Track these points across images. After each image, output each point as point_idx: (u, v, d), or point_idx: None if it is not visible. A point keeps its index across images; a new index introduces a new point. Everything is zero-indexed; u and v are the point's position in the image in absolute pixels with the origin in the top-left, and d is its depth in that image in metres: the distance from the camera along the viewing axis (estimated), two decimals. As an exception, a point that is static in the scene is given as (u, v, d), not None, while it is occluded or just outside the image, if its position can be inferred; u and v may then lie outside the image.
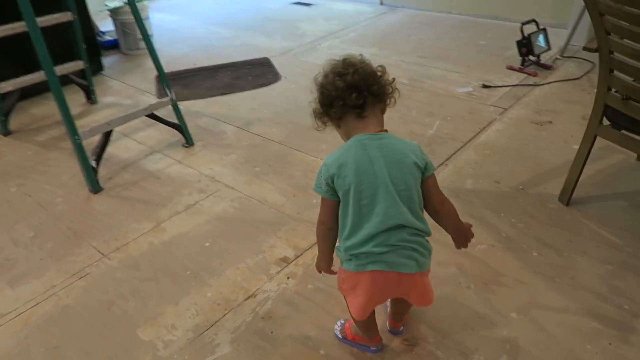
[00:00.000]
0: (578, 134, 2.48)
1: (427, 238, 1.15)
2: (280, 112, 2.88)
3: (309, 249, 1.80)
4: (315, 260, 1.31)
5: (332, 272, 1.30)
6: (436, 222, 1.20)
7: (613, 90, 1.64)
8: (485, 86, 3.00)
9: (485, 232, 1.82)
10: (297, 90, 3.14)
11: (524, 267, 1.66)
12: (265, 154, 2.45)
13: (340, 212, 1.15)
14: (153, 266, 1.77)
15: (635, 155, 2.15)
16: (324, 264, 1.28)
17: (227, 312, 1.56)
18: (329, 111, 1.13)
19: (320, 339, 1.46)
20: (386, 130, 1.13)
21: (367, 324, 1.33)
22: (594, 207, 1.91)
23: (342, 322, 1.49)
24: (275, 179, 2.23)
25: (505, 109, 2.74)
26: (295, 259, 1.76)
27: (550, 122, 2.56)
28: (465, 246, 1.22)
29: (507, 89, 2.96)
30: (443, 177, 2.16)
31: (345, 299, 1.27)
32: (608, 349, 1.37)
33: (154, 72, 3.47)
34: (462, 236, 1.21)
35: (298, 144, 2.50)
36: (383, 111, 1.15)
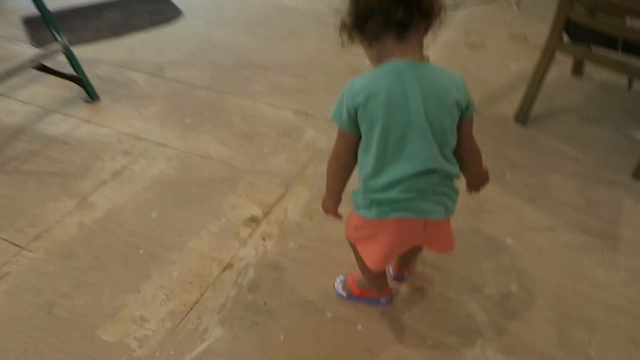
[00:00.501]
0: (512, 52, 2.53)
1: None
2: (194, 52, 2.51)
3: (277, 202, 1.60)
4: (323, 198, 1.13)
5: (338, 216, 1.14)
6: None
7: (577, 3, 1.62)
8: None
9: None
10: (207, 26, 2.76)
11: (502, 191, 1.64)
12: (192, 102, 2.12)
13: (361, 148, 0.97)
14: (93, 251, 1.44)
15: (570, 69, 2.23)
16: (333, 205, 1.11)
17: (205, 290, 1.33)
18: (364, 26, 0.90)
19: (322, 300, 1.31)
20: (428, 58, 0.94)
21: (379, 274, 1.21)
22: (549, 124, 1.95)
23: (343, 278, 1.35)
24: (213, 129, 1.95)
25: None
26: (266, 216, 1.56)
27: (482, 43, 2.56)
28: (478, 191, 1.12)
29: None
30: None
31: (355, 248, 1.13)
32: (603, 260, 1.41)
33: (17, 14, 2.85)
34: (479, 182, 1.11)
35: (227, 87, 2.20)
36: (426, 33, 0.96)
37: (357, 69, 2.33)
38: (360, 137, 0.96)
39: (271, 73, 2.31)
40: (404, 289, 1.33)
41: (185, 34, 2.70)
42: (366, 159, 0.96)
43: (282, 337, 1.22)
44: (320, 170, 1.73)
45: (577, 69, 2.22)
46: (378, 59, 0.95)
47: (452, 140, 0.96)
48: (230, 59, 2.44)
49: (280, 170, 1.74)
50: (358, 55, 2.50)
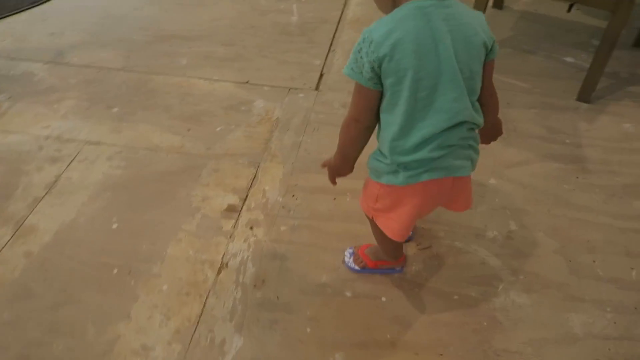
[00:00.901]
0: None
1: None
2: (95, 30, 2.17)
3: (251, 185, 1.47)
4: (331, 166, 1.03)
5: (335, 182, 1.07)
6: None
7: None
8: (317, -41, 2.76)
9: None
10: (99, -2, 2.40)
11: (470, 133, 1.66)
12: (113, 88, 1.84)
13: (384, 106, 0.87)
14: (55, 283, 1.22)
15: (491, 3, 2.27)
16: (346, 171, 1.02)
17: (207, 298, 1.19)
18: None
19: (337, 280, 1.23)
20: None
21: (398, 243, 1.16)
22: (489, 59, 1.99)
23: (352, 250, 1.28)
24: (149, 116, 1.72)
25: (352, -21, 2.58)
26: (244, 202, 1.42)
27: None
28: (489, 142, 1.09)
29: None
30: (339, 65, 1.95)
31: (373, 220, 1.05)
32: (579, 183, 1.48)
33: None
34: (493, 132, 1.06)
35: (149, 66, 1.95)
36: None
37: (285, 27, 2.18)
38: (382, 94, 0.87)
39: (194, 44, 2.08)
40: (411, 249, 1.30)
41: (76, 9, 2.33)
42: (392, 118, 0.86)
43: (308, 330, 1.13)
44: (285, 142, 1.61)
45: (498, 2, 2.28)
46: (394, 1, 0.84)
47: (479, 87, 0.89)
48: (141, 33, 2.15)
49: (242, 149, 1.59)
50: (281, 11, 2.36)
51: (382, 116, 0.89)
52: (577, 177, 1.49)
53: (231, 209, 1.41)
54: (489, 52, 0.88)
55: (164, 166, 1.53)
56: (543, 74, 1.91)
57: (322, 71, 1.92)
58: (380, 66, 0.81)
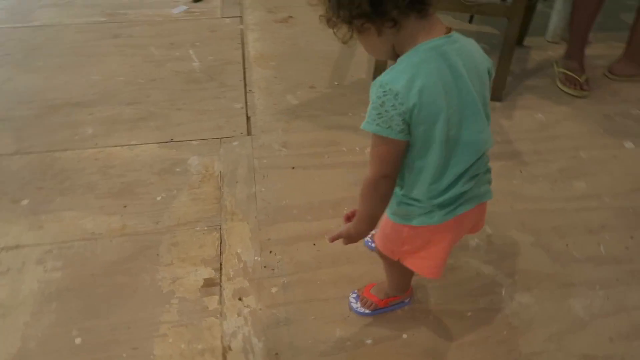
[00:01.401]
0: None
1: None
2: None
3: (222, 252, 1.34)
4: (353, 235, 0.94)
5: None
6: None
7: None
8: (195, 0, 2.65)
9: (349, 136, 1.74)
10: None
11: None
12: (13, 178, 1.56)
13: (415, 154, 0.84)
14: None
15: None
16: (368, 231, 0.94)
17: (222, 393, 1.05)
18: (386, 12, 0.75)
19: (351, 329, 1.17)
20: (451, 29, 0.84)
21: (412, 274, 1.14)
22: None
23: (355, 295, 1.22)
24: (70, 200, 1.48)
25: (240, 16, 2.52)
26: (220, 272, 1.28)
27: (291, 16, 2.53)
28: None
29: (217, -3, 2.71)
30: (262, 105, 1.89)
31: (398, 262, 1.02)
32: (523, 175, 1.61)
33: None
34: None
35: (49, 143, 1.69)
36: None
37: (189, 75, 2.05)
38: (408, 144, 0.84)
39: (94, 109, 1.86)
40: (410, 277, 1.29)
41: None
42: (425, 163, 0.84)
43: (345, 392, 1.06)
44: (239, 196, 1.50)
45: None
46: (401, 46, 0.80)
47: (489, 113, 0.92)
48: (24, 108, 1.86)
49: (194, 214, 1.45)
50: (178, 59, 2.22)
51: (413, 163, 0.85)
52: (521, 171, 1.62)
53: (209, 284, 1.27)
54: (490, 76, 0.91)
55: (112, 255, 1.33)
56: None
57: (247, 114, 1.84)
58: (411, 116, 0.78)
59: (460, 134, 0.83)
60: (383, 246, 1.01)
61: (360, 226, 0.92)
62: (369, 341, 1.15)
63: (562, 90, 1.99)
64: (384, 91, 0.77)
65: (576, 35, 2.01)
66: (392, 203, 0.92)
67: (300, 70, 2.10)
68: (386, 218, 0.97)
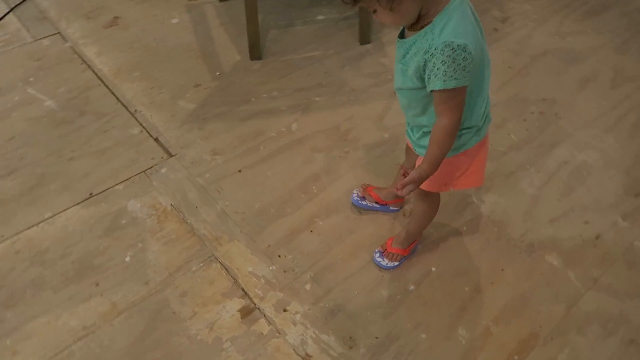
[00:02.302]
0: (163, 11, 2.33)
1: None
2: None
3: (236, 278, 1.30)
4: (422, 177, 0.98)
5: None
6: None
7: None
8: (-15, 28, 2.18)
9: (269, 121, 1.76)
10: None
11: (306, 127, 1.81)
12: None
13: (474, 89, 0.97)
14: None
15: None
16: (433, 173, 1.02)
17: (334, 395, 1.09)
18: None
19: (393, 283, 1.31)
20: None
21: None
22: (276, 44, 2.10)
23: (379, 254, 1.35)
24: (25, 309, 1.24)
25: (58, 33, 2.17)
26: (248, 296, 1.26)
27: (116, 17, 2.27)
28: None
29: None
30: (161, 121, 1.75)
31: (432, 204, 1.23)
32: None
33: None
34: None
35: (9, 227, 1.35)
36: None
37: (52, 115, 1.76)
38: None
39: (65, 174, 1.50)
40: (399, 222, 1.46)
41: None
42: (481, 94, 0.99)
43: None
44: (210, 220, 1.44)
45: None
46: (426, 7, 0.88)
47: None
48: None
49: (180, 258, 1.36)
50: (24, 103, 1.87)
51: (470, 98, 0.97)
52: (422, 98, 1.87)
53: (247, 312, 1.25)
54: None
55: (125, 338, 1.19)
56: (323, 34, 2.16)
57: (152, 136, 1.69)
58: (474, 62, 0.88)
59: (485, 64, 0.98)
60: (433, 185, 1.11)
61: (431, 169, 0.98)
62: (411, 287, 1.31)
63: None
64: (452, 49, 0.85)
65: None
66: None
67: (172, 73, 1.96)
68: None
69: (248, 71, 1.98)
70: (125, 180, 1.56)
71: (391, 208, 1.48)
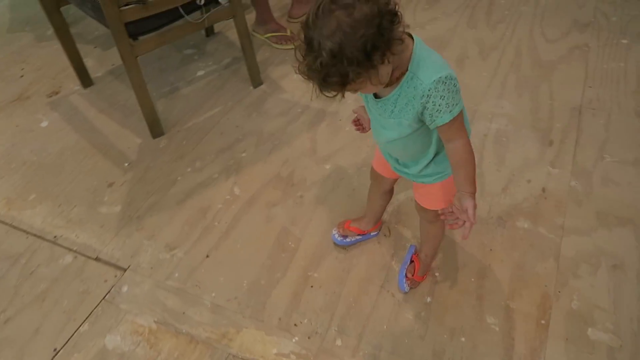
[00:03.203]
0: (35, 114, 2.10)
1: None
2: None
3: (277, 353, 1.23)
4: (474, 199, 1.01)
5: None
6: None
7: (125, 6, 1.58)
8: None
9: (206, 193, 1.68)
10: None
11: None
12: None
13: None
14: None
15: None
16: None
17: None
18: (396, 35, 0.83)
19: (415, 306, 1.34)
20: None
21: None
22: (177, 123, 1.99)
23: (403, 281, 1.38)
24: None
25: None
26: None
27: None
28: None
29: None
30: (93, 239, 1.56)
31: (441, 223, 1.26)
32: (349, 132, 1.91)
33: None
34: None
35: None
36: None
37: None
38: None
39: None
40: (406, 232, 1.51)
41: None
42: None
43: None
44: (202, 319, 1.33)
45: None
46: (399, 60, 0.89)
47: None
48: None
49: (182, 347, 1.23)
50: None
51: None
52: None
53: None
54: None
55: None
56: (210, 94, 2.10)
57: (91, 257, 1.50)
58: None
59: None
60: (442, 204, 1.15)
61: (473, 187, 1.01)
62: (428, 299, 1.37)
63: (285, 49, 2.32)
64: (444, 82, 0.89)
65: (259, 3, 2.31)
66: (442, 166, 1.09)
67: (73, 181, 1.75)
68: (439, 184, 1.12)
69: (157, 151, 1.86)
70: (87, 318, 1.37)
71: (372, 234, 1.51)
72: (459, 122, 0.96)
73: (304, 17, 0.87)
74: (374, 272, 1.43)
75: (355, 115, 1.22)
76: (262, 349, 1.29)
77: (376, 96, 1.00)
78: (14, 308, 1.41)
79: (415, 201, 1.25)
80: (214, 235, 1.56)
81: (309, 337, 1.31)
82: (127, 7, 1.61)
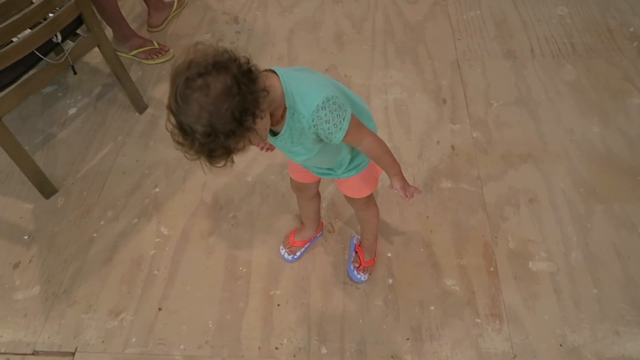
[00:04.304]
0: None
1: None
2: None
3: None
4: (403, 179, 1.12)
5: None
6: None
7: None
8: None
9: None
10: None
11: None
12: None
13: (361, 115, 1.08)
14: None
15: None
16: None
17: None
18: (258, 91, 0.84)
19: (372, 290, 1.41)
20: None
21: None
22: (67, 176, 1.79)
23: (354, 269, 1.45)
24: None
25: None
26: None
27: None
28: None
29: None
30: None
31: (373, 207, 1.34)
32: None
33: None
34: None
35: None
36: None
37: None
38: None
39: None
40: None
41: None
42: (363, 117, 1.08)
43: (433, 306, 1.38)
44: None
45: None
46: (274, 101, 0.91)
47: None
48: None
49: None
50: None
51: (363, 120, 1.06)
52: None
53: None
54: None
55: None
56: (92, 133, 1.92)
57: (27, 353, 1.34)
58: (339, 94, 0.96)
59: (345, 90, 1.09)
60: (368, 191, 1.25)
61: (395, 169, 1.10)
62: (390, 281, 1.45)
63: (157, 63, 2.18)
64: (322, 107, 0.92)
65: (114, 20, 2.13)
66: (360, 158, 1.16)
67: None
68: (359, 175, 1.19)
69: (57, 212, 1.67)
70: (50, 420, 1.24)
71: (317, 237, 1.55)
72: (357, 127, 0.99)
73: (167, 99, 0.84)
74: (332, 271, 1.48)
75: None
76: (253, 385, 1.28)
77: (273, 133, 1.00)
78: None
79: (347, 199, 1.31)
80: (158, 285, 1.48)
81: (294, 356, 1.32)
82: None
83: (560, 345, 1.32)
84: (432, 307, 1.39)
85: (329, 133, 0.95)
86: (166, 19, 2.42)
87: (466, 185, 1.67)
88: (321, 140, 1.00)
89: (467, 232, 1.55)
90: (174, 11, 2.46)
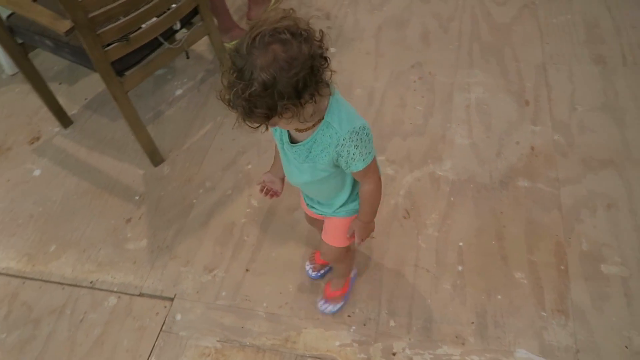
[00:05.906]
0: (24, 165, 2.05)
1: None
2: None
3: (337, 357, 1.35)
4: (369, 228, 1.17)
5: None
6: None
7: (108, 46, 1.59)
8: None
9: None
10: None
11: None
12: None
13: None
14: None
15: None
16: None
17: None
18: (323, 78, 0.87)
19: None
20: None
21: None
22: (164, 134, 2.01)
23: (322, 302, 1.47)
24: None
25: None
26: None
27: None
28: None
29: None
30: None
31: (347, 249, 1.31)
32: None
33: None
34: None
35: None
36: None
37: (19, 344, 1.49)
38: None
39: None
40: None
41: None
42: None
43: (500, 295, 1.44)
44: (261, 328, 1.44)
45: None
46: (319, 105, 0.91)
47: None
48: None
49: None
50: None
51: None
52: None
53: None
54: None
55: None
56: (196, 112, 2.13)
57: (135, 294, 1.55)
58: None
59: None
60: (343, 241, 1.23)
61: (371, 219, 1.15)
62: (460, 268, 1.52)
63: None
64: (357, 132, 0.95)
65: (219, 12, 2.33)
66: (353, 203, 1.17)
67: (88, 225, 1.76)
68: (342, 219, 1.19)
69: (164, 179, 1.89)
70: (152, 352, 1.44)
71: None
72: (372, 168, 1.02)
73: (234, 44, 0.86)
74: (404, 254, 1.57)
75: (261, 185, 1.29)
76: (325, 345, 1.41)
77: (292, 141, 1.03)
78: (76, 358, 1.45)
79: (322, 244, 1.28)
80: (247, 249, 1.64)
81: (364, 324, 1.44)
82: (110, 46, 1.63)
83: (626, 347, 1.33)
84: (499, 297, 1.45)
85: (351, 159, 0.97)
86: (264, 12, 2.60)
87: (543, 185, 1.69)
88: (335, 166, 1.02)
89: (539, 229, 1.58)
90: (272, 5, 2.64)
